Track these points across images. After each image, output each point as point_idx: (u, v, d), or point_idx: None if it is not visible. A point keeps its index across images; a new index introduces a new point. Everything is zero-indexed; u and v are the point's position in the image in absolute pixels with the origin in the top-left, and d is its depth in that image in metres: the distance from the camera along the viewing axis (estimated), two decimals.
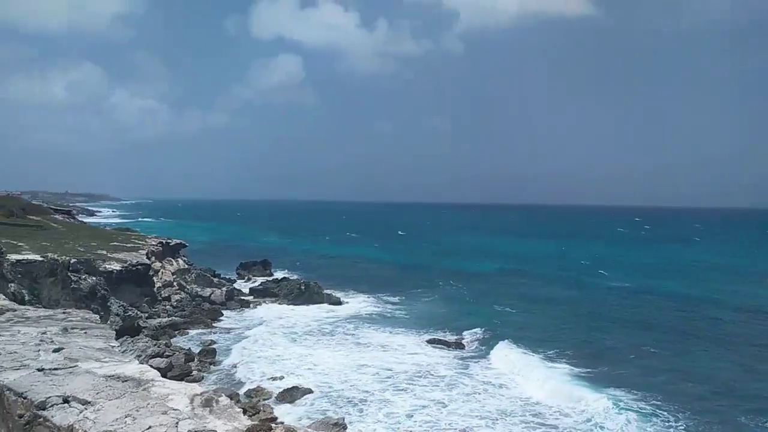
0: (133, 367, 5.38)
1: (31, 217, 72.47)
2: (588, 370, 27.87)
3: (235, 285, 50.95)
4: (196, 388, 5.11)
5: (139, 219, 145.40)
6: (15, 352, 2.72)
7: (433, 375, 27.22)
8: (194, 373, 27.26)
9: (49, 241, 44.47)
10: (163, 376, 19.11)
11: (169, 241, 54.02)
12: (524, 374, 26.94)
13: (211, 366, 28.65)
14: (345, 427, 20.15)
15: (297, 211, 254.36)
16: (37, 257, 30.57)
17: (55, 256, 33.32)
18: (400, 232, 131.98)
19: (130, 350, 29.72)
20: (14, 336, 6.33)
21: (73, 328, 7.05)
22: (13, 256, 28.34)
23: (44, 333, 6.57)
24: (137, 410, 2.22)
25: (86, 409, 2.17)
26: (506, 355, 30.00)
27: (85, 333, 6.92)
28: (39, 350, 2.79)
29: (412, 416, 22.20)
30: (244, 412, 20.36)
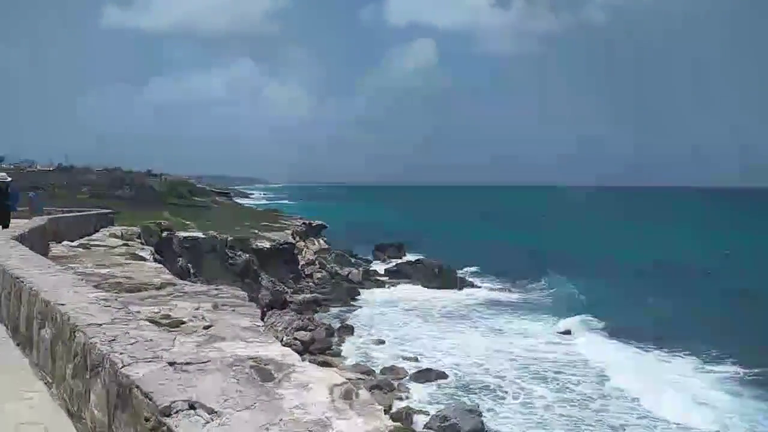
0: (275, 349, 5.62)
1: (197, 198, 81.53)
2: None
3: (371, 266, 52.72)
4: (335, 376, 5.16)
5: (285, 201, 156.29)
6: (150, 340, 2.86)
7: (572, 367, 25.87)
8: (334, 347, 28.83)
9: (211, 221, 49.63)
10: (306, 349, 20.34)
11: (311, 222, 57.39)
12: (681, 382, 24.38)
13: (349, 342, 30.02)
14: (480, 414, 19.93)
15: (433, 195, 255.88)
16: (200, 235, 34.19)
17: (215, 234, 37.06)
18: (542, 216, 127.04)
19: (279, 322, 32.31)
20: (172, 310, 7.03)
21: (223, 305, 7.64)
22: (181, 234, 31.98)
23: (197, 309, 7.20)
24: (267, 429, 2.17)
25: (212, 419, 2.16)
26: (661, 359, 27.51)
27: (234, 311, 7.43)
28: (174, 339, 2.91)
29: (551, 408, 21.32)
30: (385, 412, 20.98)
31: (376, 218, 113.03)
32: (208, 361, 2.55)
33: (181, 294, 8.79)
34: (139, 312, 7.39)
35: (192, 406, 2.15)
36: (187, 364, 2.51)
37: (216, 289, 9.71)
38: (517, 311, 37.06)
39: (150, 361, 2.51)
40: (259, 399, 2.22)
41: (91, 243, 16.51)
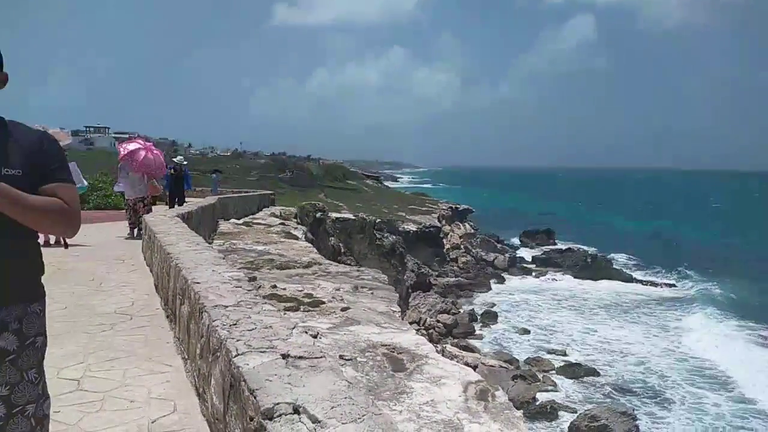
0: (409, 337, 5.41)
1: (349, 182, 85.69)
2: None
3: (518, 252, 50.91)
4: (471, 373, 4.78)
5: (432, 185, 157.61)
6: (269, 327, 2.70)
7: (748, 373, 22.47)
8: (476, 332, 28.34)
9: (362, 203, 51.72)
10: (449, 333, 20.15)
11: (457, 206, 57.00)
12: None
13: (492, 328, 29.29)
14: (635, 418, 18.14)
15: (587, 180, 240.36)
16: (351, 216, 35.68)
17: (364, 215, 38.42)
18: (714, 204, 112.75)
19: (422, 304, 32.66)
20: (314, 289, 7.17)
21: (362, 287, 7.64)
22: (334, 215, 33.64)
23: (338, 289, 7.26)
24: None
25: (315, 430, 1.90)
26: None
27: (372, 293, 7.39)
28: (293, 329, 2.73)
29: (723, 417, 18.72)
30: (528, 403, 19.86)
31: (524, 203, 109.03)
32: (321, 357, 2.32)
33: (325, 274, 9.04)
34: (284, 289, 7.73)
35: (296, 410, 1.94)
36: (300, 358, 2.31)
37: (358, 270, 9.88)
38: (682, 307, 33.19)
39: (264, 352, 2.35)
40: (369, 411, 1.92)
41: (254, 221, 17.93)
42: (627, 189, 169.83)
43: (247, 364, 2.28)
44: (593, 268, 42.01)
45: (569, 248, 49.67)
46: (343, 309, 6.36)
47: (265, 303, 3.15)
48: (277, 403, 1.97)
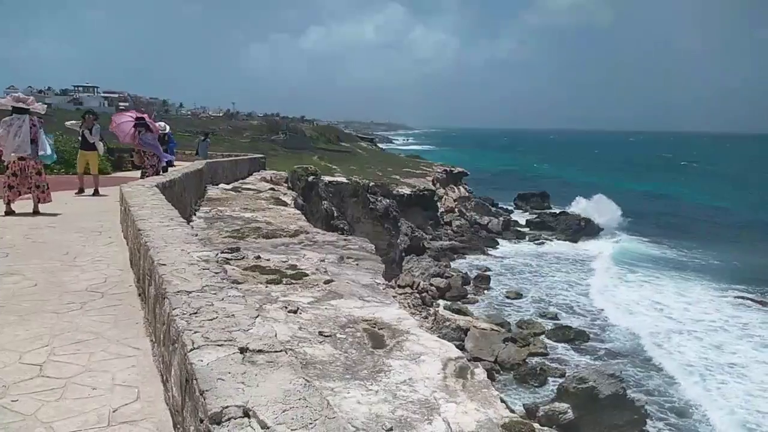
0: (391, 312, 5.32)
1: (343, 143, 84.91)
2: None
3: (512, 215, 50.96)
4: (452, 350, 4.71)
5: (428, 147, 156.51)
6: (231, 316, 2.56)
7: (742, 336, 22.90)
8: (469, 296, 28.57)
9: (356, 166, 51.34)
10: (442, 296, 20.25)
11: (452, 169, 56.64)
12: None
13: (485, 292, 29.52)
14: (622, 380, 18.46)
15: (586, 142, 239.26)
16: (344, 180, 35.43)
17: (358, 179, 38.16)
18: (682, 162, 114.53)
19: (416, 268, 32.79)
20: (299, 260, 7.05)
21: (348, 258, 7.53)
22: (327, 178, 33.35)
23: (323, 260, 7.15)
24: None
25: None
26: None
27: (357, 264, 7.29)
28: (256, 318, 2.59)
29: (711, 377, 19.08)
30: (519, 365, 19.97)
31: (520, 166, 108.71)
32: (281, 351, 2.20)
33: (311, 243, 8.93)
34: (269, 260, 7.62)
35: (246, 414, 1.82)
36: (259, 352, 2.19)
37: (345, 239, 9.77)
38: (675, 270, 33.49)
39: (221, 345, 2.23)
40: (323, 414, 1.81)
41: (243, 186, 17.72)
42: (623, 151, 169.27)
43: (201, 360, 2.16)
44: (586, 231, 42.16)
45: (563, 212, 49.73)
46: (327, 282, 6.27)
47: (232, 288, 3.02)
48: (227, 407, 1.85)
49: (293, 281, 6.31)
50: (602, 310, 26.48)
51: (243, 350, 2.26)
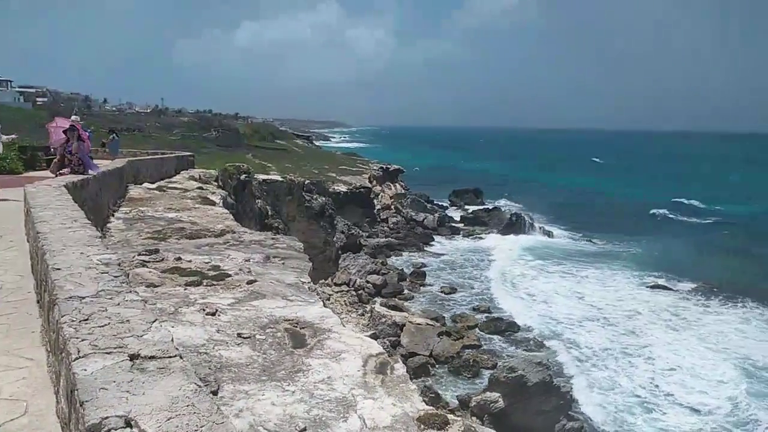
0: (315, 311, 5.28)
1: (279, 141, 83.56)
2: None
3: (447, 212, 51.98)
4: (373, 346, 4.72)
5: (365, 144, 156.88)
6: (125, 322, 2.46)
7: (653, 321, 24.51)
8: (405, 292, 28.89)
9: (291, 163, 50.63)
10: (378, 293, 20.29)
11: (388, 166, 57.10)
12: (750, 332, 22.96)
13: (421, 288, 29.96)
14: (549, 367, 19.27)
15: (517, 139, 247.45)
16: (279, 178, 34.89)
17: (293, 177, 37.69)
18: (595, 159, 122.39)
19: (352, 265, 32.79)
20: (223, 261, 6.87)
21: (275, 257, 7.41)
22: (260, 176, 32.72)
23: (248, 260, 7.00)
24: None
25: None
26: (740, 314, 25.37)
27: (283, 264, 7.19)
28: (153, 323, 2.49)
29: (627, 361, 20.27)
30: (455, 357, 20.30)
31: (455, 163, 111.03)
32: (174, 357, 2.12)
33: (237, 243, 8.70)
34: (190, 261, 7.37)
35: (128, 423, 1.74)
36: (151, 358, 2.10)
37: (273, 238, 9.59)
38: (598, 262, 35.35)
39: (110, 353, 2.12)
40: (210, 421, 1.76)
41: (169, 185, 17.04)
42: (551, 148, 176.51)
43: (85, 370, 2.04)
44: (517, 226, 43.64)
45: (496, 207, 51.26)
46: (250, 282, 6.13)
47: (131, 292, 2.88)
48: (106, 417, 1.76)
49: (214, 282, 6.13)
50: (530, 301, 27.53)
51: (133, 357, 2.16)
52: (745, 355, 20.99)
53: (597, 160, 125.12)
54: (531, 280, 31.18)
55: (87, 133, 13.03)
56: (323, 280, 28.32)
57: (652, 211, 55.57)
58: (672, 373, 19.56)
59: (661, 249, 38.69)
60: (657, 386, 18.66)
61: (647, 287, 29.85)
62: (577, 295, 28.39)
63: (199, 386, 2.00)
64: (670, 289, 29.61)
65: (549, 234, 43.15)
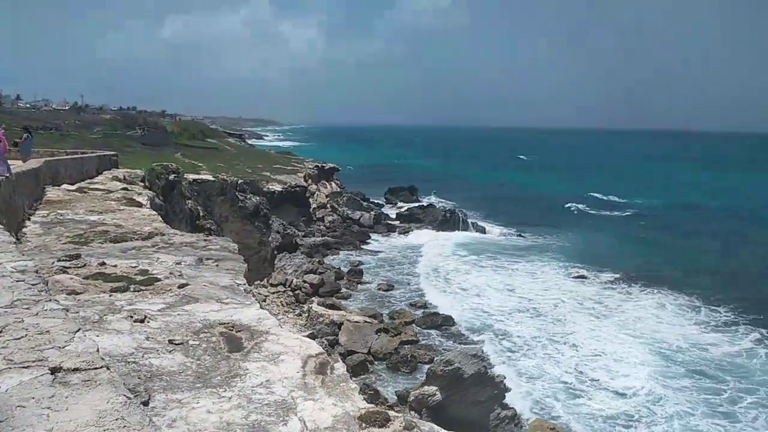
0: (251, 313, 5.17)
1: (209, 140, 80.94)
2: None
3: (383, 209, 52.33)
4: (313, 346, 4.68)
5: (299, 143, 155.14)
6: (45, 333, 2.32)
7: (578, 310, 25.84)
8: (343, 291, 28.83)
9: (223, 162, 49.18)
10: (315, 292, 20.09)
11: (324, 165, 56.73)
12: (665, 317, 24.87)
13: (358, 286, 29.99)
14: (483, 358, 19.84)
15: (449, 137, 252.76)
16: (210, 177, 33.82)
17: (226, 176, 36.65)
18: (521, 156, 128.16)
19: (288, 265, 32.36)
20: (151, 265, 6.59)
21: (207, 259, 7.19)
22: (190, 176, 31.60)
23: (179, 263, 6.75)
24: None
25: None
26: (655, 299, 27.30)
27: (217, 265, 6.99)
28: (76, 332, 2.36)
29: (558, 352, 21.21)
30: (392, 354, 20.46)
31: (391, 161, 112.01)
32: (101, 368, 2.00)
33: (167, 246, 8.37)
34: (115, 266, 7.01)
35: None
36: (75, 371, 1.97)
37: (205, 239, 9.30)
38: (527, 255, 36.77)
39: (27, 367, 1.98)
40: None
41: (90, 187, 16.13)
42: (482, 146, 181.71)
43: (1, 387, 1.90)
44: (451, 222, 44.58)
45: (430, 204, 52.13)
46: (181, 286, 5.91)
47: (50, 300, 2.70)
48: None
49: (143, 288, 5.86)
50: (464, 295, 28.23)
51: (55, 370, 2.03)
52: (660, 339, 22.51)
53: (523, 157, 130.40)
54: (464, 274, 31.96)
55: (2, 131, 12.09)
56: (259, 281, 27.78)
57: (575, 206, 58.70)
58: (596, 359, 20.66)
59: (585, 241, 40.89)
60: (582, 372, 19.66)
61: (572, 278, 31.39)
62: (508, 287, 29.41)
63: (129, 398, 1.91)
64: (593, 279, 31.27)
65: (482, 230, 44.36)
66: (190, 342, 4.51)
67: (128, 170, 21.97)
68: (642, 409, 17.30)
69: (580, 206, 58.81)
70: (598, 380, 19.06)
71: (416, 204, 53.90)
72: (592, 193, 66.01)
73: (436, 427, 4.44)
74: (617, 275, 31.50)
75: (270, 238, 34.58)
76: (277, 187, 42.18)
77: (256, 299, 6.10)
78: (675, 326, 24.21)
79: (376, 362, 20.65)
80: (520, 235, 43.47)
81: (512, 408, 16.38)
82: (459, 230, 43.71)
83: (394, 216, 49.33)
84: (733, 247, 40.04)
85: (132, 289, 5.75)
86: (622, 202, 62.58)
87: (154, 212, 12.17)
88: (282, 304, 26.06)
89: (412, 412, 14.99)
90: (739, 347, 21.99)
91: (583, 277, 31.61)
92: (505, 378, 17.35)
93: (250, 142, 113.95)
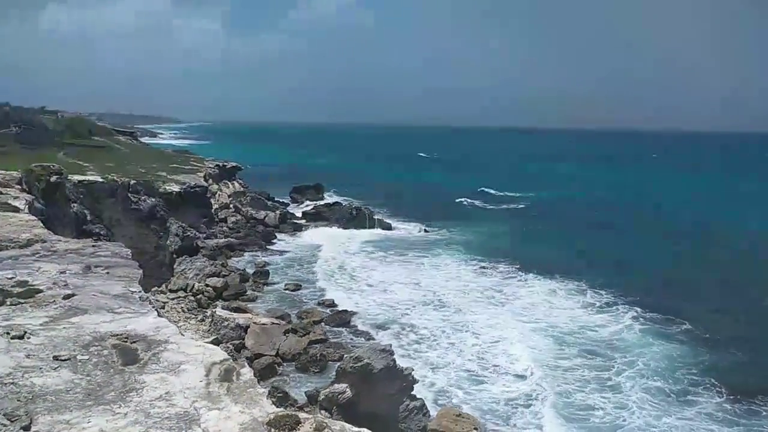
0: (148, 321, 4.90)
1: (97, 138, 75.16)
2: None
3: (288, 208, 51.58)
4: (217, 353, 4.52)
5: (198, 141, 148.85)
6: None
7: (479, 299, 27.16)
8: (248, 293, 28.07)
9: (113, 162, 45.87)
10: (219, 296, 19.39)
11: (225, 163, 54.80)
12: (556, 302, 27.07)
13: (265, 287, 29.36)
14: (392, 353, 20.19)
15: (356, 136, 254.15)
16: (98, 178, 31.50)
17: (116, 177, 34.26)
18: (420, 154, 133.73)
19: (189, 269, 30.92)
20: (31, 275, 6.04)
21: (96, 266, 6.71)
22: (75, 177, 29.21)
23: (63, 272, 6.24)
24: None
25: None
26: (547, 286, 29.50)
27: (108, 273, 6.54)
28: None
29: (464, 342, 22.09)
30: (300, 355, 20.30)
31: (295, 159, 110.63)
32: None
33: (49, 253, 7.70)
34: None
35: None
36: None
37: (94, 246, 8.65)
38: (433, 249, 38.02)
39: None
40: None
41: None
42: (388, 144, 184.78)
43: None
44: (358, 220, 44.89)
45: (337, 202, 52.12)
46: (67, 296, 5.46)
47: None
48: None
49: (21, 300, 5.35)
50: (371, 291, 28.63)
51: None
52: (553, 323, 24.21)
53: (423, 155, 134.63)
54: (371, 270, 32.40)
55: None
56: (157, 288, 26.31)
57: (475, 201, 61.88)
58: (496, 345, 21.81)
59: (484, 234, 43.13)
60: (484, 359, 20.67)
61: (472, 269, 32.90)
62: (414, 281, 30.22)
63: (4, 425, 1.73)
64: (492, 269, 33.00)
65: (388, 226, 45.08)
66: (79, 357, 4.18)
67: (2, 172, 19.92)
68: (538, 388, 18.50)
69: (478, 202, 62.03)
70: (499, 365, 20.12)
71: (322, 202, 53.69)
72: (486, 189, 69.88)
73: (347, 425, 4.46)
74: (514, 265, 33.43)
75: (168, 242, 32.87)
76: (175, 188, 40.06)
77: (154, 307, 5.78)
78: (566, 310, 26.15)
79: (285, 364, 20.34)
80: (425, 231, 44.72)
81: (420, 399, 16.83)
82: (366, 228, 44.13)
83: (300, 215, 48.80)
84: (614, 236, 43.96)
85: (9, 303, 5.22)
86: (517, 196, 66.63)
87: (34, 217, 11.11)
88: (183, 310, 24.90)
89: (323, 412, 14.95)
90: (621, 325, 24.22)
91: (483, 268, 33.24)
92: (413, 370, 17.77)
93: (143, 140, 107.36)
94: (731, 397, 18.15)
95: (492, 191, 69.29)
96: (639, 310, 25.78)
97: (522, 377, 19.38)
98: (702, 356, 21.15)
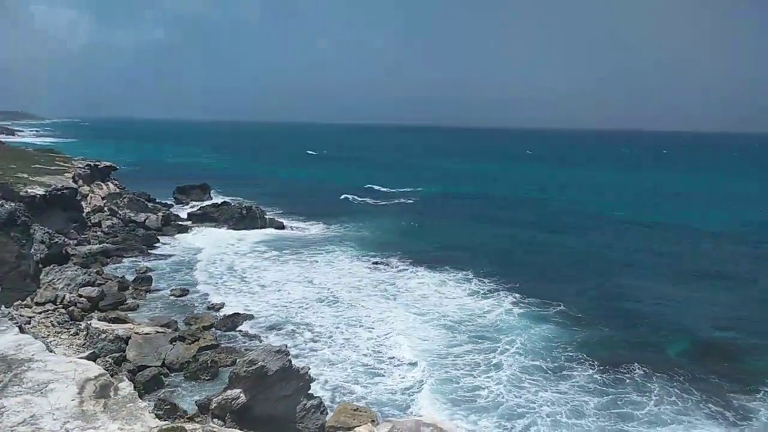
0: (8, 339, 4.38)
1: None
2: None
3: (172, 210, 48.78)
4: (91, 368, 4.14)
5: (63, 139, 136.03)
6: None
7: (373, 294, 27.66)
8: (129, 301, 26.13)
9: None
10: (95, 306, 17.79)
11: (97, 163, 50.58)
12: (446, 292, 28.47)
13: (147, 294, 27.51)
14: (287, 353, 19.86)
15: (236, 133, 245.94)
16: None
17: None
18: (309, 152, 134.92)
19: (58, 279, 28.11)
20: None
21: None
22: None
23: None
24: None
25: None
26: (438, 278, 30.72)
27: None
28: None
29: (359, 336, 22.27)
30: (191, 362, 19.26)
31: (176, 158, 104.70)
32: None
33: None
34: None
35: None
36: None
37: None
38: (326, 246, 37.99)
39: None
40: None
41: None
42: (277, 142, 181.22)
43: None
44: (248, 219, 43.53)
45: (225, 202, 50.14)
46: None
47: None
48: None
49: None
50: (264, 292, 27.95)
51: None
52: (443, 312, 25.23)
53: (312, 152, 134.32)
54: (263, 271, 31.65)
55: None
56: (20, 302, 23.64)
57: (362, 198, 62.76)
58: (389, 337, 22.29)
59: (376, 229, 43.93)
60: (379, 352, 21.05)
61: (365, 265, 33.34)
62: (308, 279, 29.99)
63: None
64: (384, 263, 33.68)
65: (280, 225, 44.21)
66: None
67: None
68: (430, 376, 19.20)
69: (369, 198, 62.89)
70: (394, 357, 20.59)
71: (209, 202, 51.37)
72: (374, 186, 71.53)
73: None
74: (406, 259, 34.38)
75: (32, 250, 29.62)
76: (39, 191, 36.27)
77: (16, 322, 5.15)
78: (455, 299, 27.39)
79: (172, 374, 19.22)
80: (317, 228, 44.49)
81: (318, 397, 16.75)
82: (258, 227, 42.93)
83: (185, 216, 46.29)
84: (496, 227, 46.74)
85: None
86: (404, 191, 68.54)
87: None
88: (53, 324, 22.59)
89: (216, 420, 14.33)
90: (503, 309, 25.86)
91: (376, 263, 33.78)
92: (309, 369, 17.60)
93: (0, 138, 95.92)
94: (601, 368, 20.10)
95: (382, 188, 70.70)
96: (518, 295, 27.73)
97: (415, 365, 19.98)
98: (575, 335, 23.18)
